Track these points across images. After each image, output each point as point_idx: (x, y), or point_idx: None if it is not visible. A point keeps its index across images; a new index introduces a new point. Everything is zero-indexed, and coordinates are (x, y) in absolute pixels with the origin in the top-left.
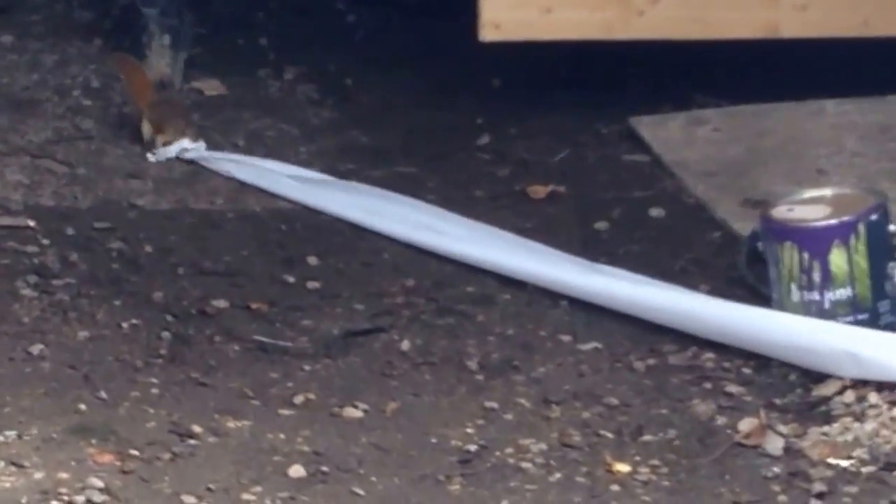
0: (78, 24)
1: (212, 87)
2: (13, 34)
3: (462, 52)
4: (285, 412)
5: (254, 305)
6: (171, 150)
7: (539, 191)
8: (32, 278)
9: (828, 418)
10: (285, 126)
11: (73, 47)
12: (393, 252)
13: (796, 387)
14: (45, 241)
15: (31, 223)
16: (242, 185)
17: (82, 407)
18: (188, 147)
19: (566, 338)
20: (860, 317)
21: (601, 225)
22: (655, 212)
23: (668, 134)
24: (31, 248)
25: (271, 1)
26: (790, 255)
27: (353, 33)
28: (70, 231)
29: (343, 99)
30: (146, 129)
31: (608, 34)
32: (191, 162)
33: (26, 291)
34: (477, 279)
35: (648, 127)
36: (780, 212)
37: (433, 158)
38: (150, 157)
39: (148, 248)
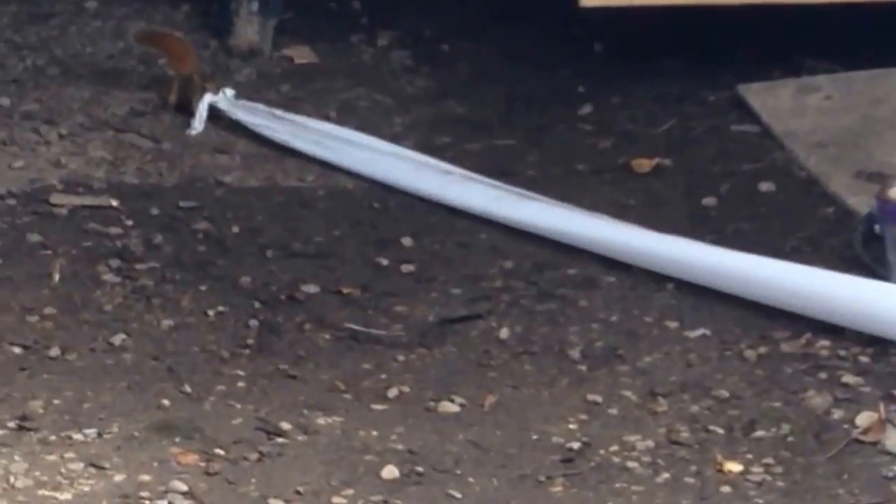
0: None
1: (302, 54)
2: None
3: (562, 16)
4: (378, 407)
5: (346, 290)
6: (200, 114)
7: (644, 164)
8: (115, 262)
9: None
10: (379, 96)
11: (159, 13)
12: (490, 232)
13: None
14: (129, 222)
15: (115, 203)
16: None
17: (165, 402)
18: (213, 101)
19: (673, 324)
20: None
21: (709, 201)
22: (765, 186)
23: (778, 102)
24: (114, 230)
25: None
26: None
27: None
28: (155, 211)
29: (439, 66)
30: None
31: None
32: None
33: (108, 276)
34: (579, 261)
35: (757, 95)
36: None
37: (533, 130)
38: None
39: (235, 229)
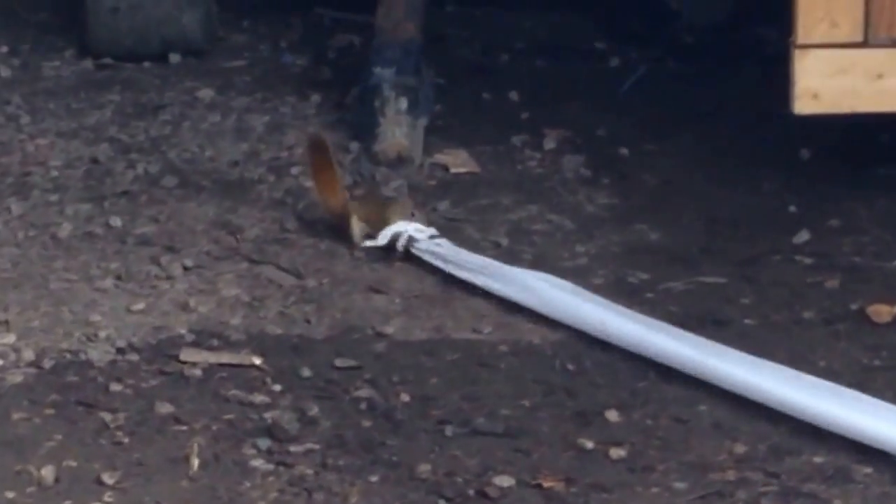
0: (289, 73)
1: (459, 161)
2: (213, 86)
3: (753, 108)
4: None
5: (546, 483)
6: (389, 233)
7: (882, 311)
8: (265, 442)
9: None
10: (555, 216)
11: (285, 105)
12: (711, 403)
13: None
14: (277, 387)
15: (258, 361)
16: (511, 307)
17: None
18: (422, 232)
19: None
20: None
21: None
22: None
23: None
24: (259, 399)
25: (514, 38)
26: None
27: (618, 83)
28: (306, 372)
29: (620, 176)
30: (357, 227)
31: None
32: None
33: (258, 462)
34: (824, 444)
35: None
36: None
37: (743, 263)
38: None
39: (405, 397)
